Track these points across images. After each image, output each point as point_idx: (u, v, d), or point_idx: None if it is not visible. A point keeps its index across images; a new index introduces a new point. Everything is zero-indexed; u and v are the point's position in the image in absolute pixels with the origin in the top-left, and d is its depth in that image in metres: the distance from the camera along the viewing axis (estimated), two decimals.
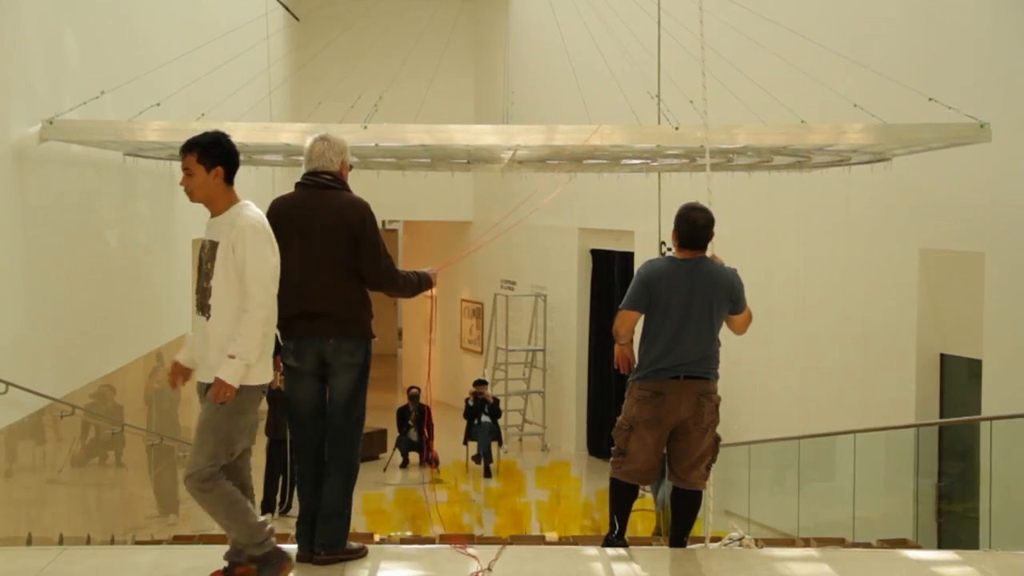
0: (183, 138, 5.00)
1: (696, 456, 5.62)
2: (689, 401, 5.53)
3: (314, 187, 5.34)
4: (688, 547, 5.75)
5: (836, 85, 9.91)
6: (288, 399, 5.40)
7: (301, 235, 5.21)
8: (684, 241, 5.65)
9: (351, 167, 5.53)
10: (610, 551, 5.67)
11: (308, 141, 5.46)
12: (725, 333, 5.76)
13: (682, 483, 5.69)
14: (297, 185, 5.42)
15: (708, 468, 5.72)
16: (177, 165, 12.79)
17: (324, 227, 5.22)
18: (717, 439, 5.69)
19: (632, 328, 5.74)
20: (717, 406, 5.62)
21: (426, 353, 22.14)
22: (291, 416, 5.40)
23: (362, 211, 5.28)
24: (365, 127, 8.69)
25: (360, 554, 5.44)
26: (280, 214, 5.27)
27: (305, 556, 5.30)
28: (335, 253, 5.21)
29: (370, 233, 5.26)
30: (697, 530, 5.96)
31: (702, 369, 5.57)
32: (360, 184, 6.02)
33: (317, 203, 5.28)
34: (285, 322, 5.24)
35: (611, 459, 5.76)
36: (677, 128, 8.83)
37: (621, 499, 5.79)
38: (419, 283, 5.51)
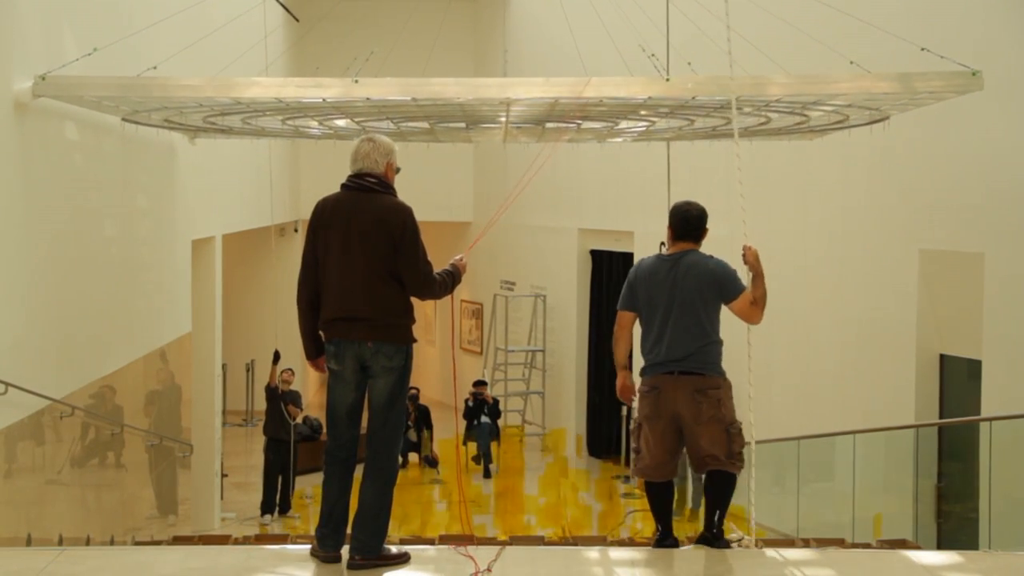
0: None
1: (706, 451, 5.58)
2: (684, 397, 5.54)
3: (357, 190, 5.27)
4: (687, 547, 5.74)
5: (830, 42, 9.76)
6: (328, 401, 5.36)
7: (342, 238, 5.17)
8: (678, 233, 5.73)
9: (398, 170, 5.39)
10: (610, 551, 5.68)
11: (354, 142, 5.40)
12: (737, 331, 5.74)
13: (704, 468, 5.63)
14: (342, 187, 5.35)
15: (734, 455, 5.61)
16: (179, 138, 12.52)
17: (365, 231, 5.15)
18: (732, 424, 5.61)
19: (629, 329, 5.76)
20: (719, 400, 5.58)
21: (427, 354, 22.14)
22: (328, 418, 5.36)
23: (404, 216, 5.20)
24: (356, 81, 8.56)
25: (401, 560, 5.26)
26: (323, 216, 5.26)
27: (327, 557, 5.23)
28: (375, 257, 5.14)
29: (410, 239, 5.18)
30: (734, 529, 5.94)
31: (696, 364, 5.56)
32: None
33: (359, 206, 5.21)
34: (327, 325, 5.24)
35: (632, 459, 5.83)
36: (668, 80, 8.54)
37: (653, 499, 5.80)
38: (453, 281, 5.43)
